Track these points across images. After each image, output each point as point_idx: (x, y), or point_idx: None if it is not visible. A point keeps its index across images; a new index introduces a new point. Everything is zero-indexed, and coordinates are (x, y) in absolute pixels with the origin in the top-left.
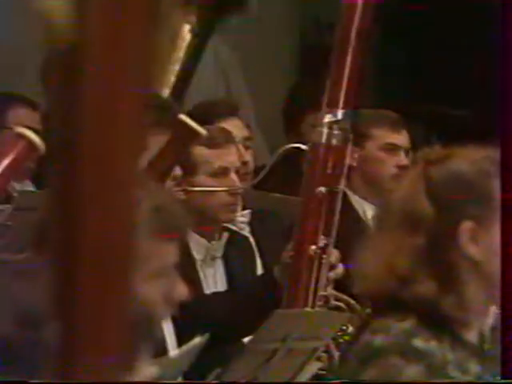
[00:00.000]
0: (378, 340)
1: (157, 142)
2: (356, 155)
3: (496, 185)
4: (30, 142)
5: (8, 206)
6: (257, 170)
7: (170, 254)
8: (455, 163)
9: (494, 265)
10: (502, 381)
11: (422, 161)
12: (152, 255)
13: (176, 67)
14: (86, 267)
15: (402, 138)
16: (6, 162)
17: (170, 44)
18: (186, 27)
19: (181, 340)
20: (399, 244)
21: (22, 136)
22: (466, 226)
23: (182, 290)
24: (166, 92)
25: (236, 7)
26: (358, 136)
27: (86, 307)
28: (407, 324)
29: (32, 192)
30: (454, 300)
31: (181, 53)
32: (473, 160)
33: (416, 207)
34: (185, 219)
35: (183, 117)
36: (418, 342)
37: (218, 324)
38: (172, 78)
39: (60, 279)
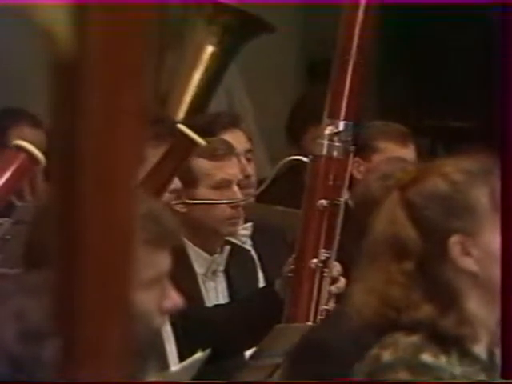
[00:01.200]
0: (387, 355)
1: (156, 155)
2: (362, 168)
3: (474, 193)
4: (30, 155)
5: (7, 219)
6: (258, 183)
7: (163, 262)
8: (428, 182)
9: (492, 272)
10: (502, 381)
11: (396, 186)
12: (145, 264)
13: (196, 86)
14: (85, 277)
15: (409, 152)
16: (6, 174)
17: (191, 64)
18: (209, 49)
19: (182, 354)
20: (389, 273)
21: (22, 149)
22: (455, 240)
23: (175, 300)
24: (183, 109)
25: (260, 29)
26: (365, 149)
27: (86, 318)
28: (415, 338)
29: (32, 206)
30: (455, 318)
31: (201, 72)
32: (444, 174)
33: (399, 233)
34: (176, 226)
35: (182, 127)
36: (427, 357)
37: (220, 337)
38: (191, 96)
39: (59, 290)
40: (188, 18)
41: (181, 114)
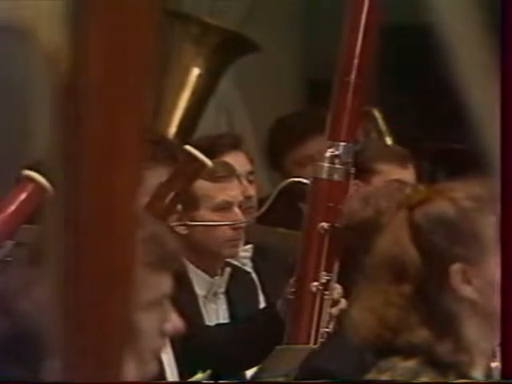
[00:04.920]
0: (384, 379)
1: (153, 175)
2: (361, 190)
3: (481, 222)
4: (39, 185)
5: (9, 241)
6: (258, 202)
7: (164, 285)
8: (437, 206)
9: (491, 300)
10: (502, 381)
11: (404, 206)
12: (146, 286)
13: (183, 108)
14: (86, 298)
15: (408, 174)
16: (15, 204)
17: (179, 85)
18: (196, 70)
19: (182, 375)
20: (387, 294)
21: (30, 179)
22: (457, 267)
23: (176, 323)
24: (172, 131)
25: (247, 49)
26: (365, 171)
27: (86, 339)
28: (412, 363)
29: (34, 227)
30: (451, 344)
31: (189, 94)
32: (453, 199)
33: (401, 255)
34: (178, 249)
35: (189, 148)
36: (424, 381)
37: (220, 357)
38: (178, 118)
39: (61, 309)
40: (175, 40)
41: (169, 135)
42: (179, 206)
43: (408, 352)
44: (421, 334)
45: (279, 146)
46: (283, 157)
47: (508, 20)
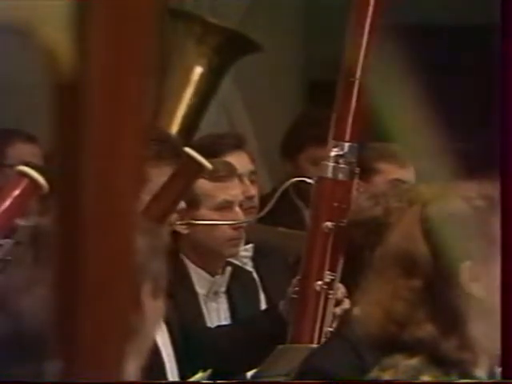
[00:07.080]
0: (387, 377)
1: (159, 174)
2: (362, 189)
3: (493, 221)
4: (33, 181)
5: (8, 240)
6: (259, 200)
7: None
8: (451, 203)
9: (499, 300)
10: (502, 381)
11: (418, 201)
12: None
13: (186, 107)
14: (86, 295)
15: (408, 173)
16: (9, 200)
17: (181, 84)
18: (198, 69)
19: (183, 374)
20: (396, 287)
21: (24, 175)
22: (466, 265)
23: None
24: (174, 131)
25: (249, 49)
26: (366, 170)
27: (85, 339)
28: (415, 361)
29: (34, 226)
30: (456, 342)
31: (191, 93)
32: (467, 198)
33: (413, 249)
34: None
35: (189, 150)
36: (427, 379)
37: (221, 357)
38: (180, 118)
39: (60, 310)
40: (177, 39)
41: (172, 133)
42: (182, 204)
43: (412, 348)
44: (426, 329)
45: (301, 140)
46: (300, 151)
47: (508, 57)
